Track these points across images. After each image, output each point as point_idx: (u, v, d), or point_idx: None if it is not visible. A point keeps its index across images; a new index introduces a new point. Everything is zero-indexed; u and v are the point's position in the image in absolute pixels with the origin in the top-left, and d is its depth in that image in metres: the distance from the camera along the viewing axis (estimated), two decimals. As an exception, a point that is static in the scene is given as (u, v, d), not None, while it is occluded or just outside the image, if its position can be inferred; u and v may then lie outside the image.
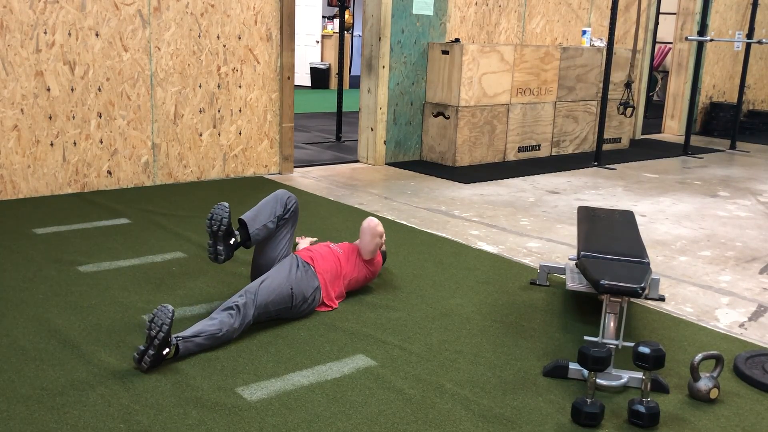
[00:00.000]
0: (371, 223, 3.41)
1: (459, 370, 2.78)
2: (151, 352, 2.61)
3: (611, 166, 7.26)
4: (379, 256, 3.50)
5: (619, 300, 2.79)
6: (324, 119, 10.00)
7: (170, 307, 2.63)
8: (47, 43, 4.89)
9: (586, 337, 2.78)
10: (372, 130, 6.76)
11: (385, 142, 6.80)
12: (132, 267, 3.73)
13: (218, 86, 5.71)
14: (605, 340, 2.79)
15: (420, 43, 6.82)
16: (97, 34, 5.08)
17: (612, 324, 2.81)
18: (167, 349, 2.65)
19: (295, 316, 3.16)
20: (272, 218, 3.21)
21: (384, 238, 3.49)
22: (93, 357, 2.74)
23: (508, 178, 6.45)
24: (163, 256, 3.92)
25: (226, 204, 3.14)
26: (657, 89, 13.74)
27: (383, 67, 6.59)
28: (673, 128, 9.89)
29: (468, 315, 3.31)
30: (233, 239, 3.16)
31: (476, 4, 7.22)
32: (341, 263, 3.34)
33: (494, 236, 4.62)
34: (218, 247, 3.12)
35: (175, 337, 2.70)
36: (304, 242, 3.88)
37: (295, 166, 6.44)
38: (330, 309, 3.27)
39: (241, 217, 3.20)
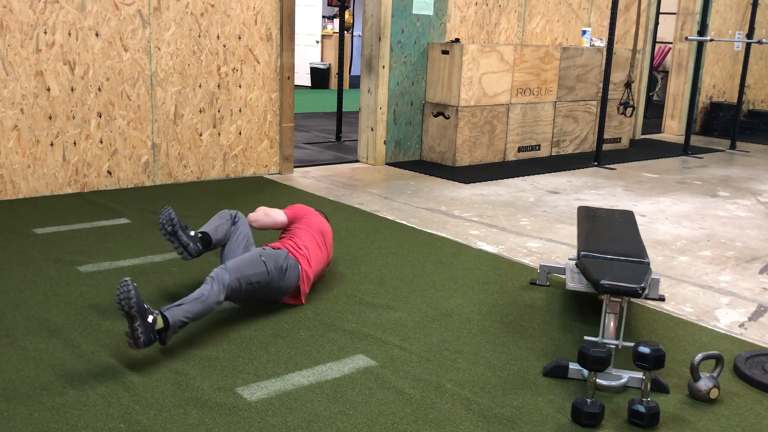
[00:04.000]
0: (255, 222, 3.56)
1: (459, 370, 2.78)
2: (136, 324, 2.57)
3: (611, 166, 7.26)
4: (290, 210, 3.64)
5: (619, 300, 2.79)
6: (324, 119, 10.00)
7: (128, 279, 2.62)
8: (47, 43, 4.89)
9: (586, 337, 2.78)
10: (372, 130, 6.76)
11: (385, 142, 6.80)
12: (132, 267, 3.73)
13: (218, 86, 5.71)
14: (605, 340, 2.79)
15: (420, 43, 6.82)
16: (97, 34, 5.08)
17: (612, 324, 2.81)
18: (151, 317, 2.62)
19: (281, 289, 3.18)
20: (224, 220, 3.45)
21: (264, 213, 3.62)
22: (93, 357, 2.74)
23: (508, 178, 6.45)
24: (163, 256, 3.92)
25: (168, 207, 3.35)
26: (657, 89, 13.74)
27: (383, 67, 6.59)
28: (673, 128, 9.89)
29: (468, 315, 3.31)
30: (193, 232, 3.34)
31: (476, 4, 7.22)
32: (298, 246, 3.40)
33: (494, 236, 4.62)
34: (181, 239, 3.28)
35: (158, 311, 2.69)
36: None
37: (295, 166, 6.44)
38: (308, 279, 3.32)
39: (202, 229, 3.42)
